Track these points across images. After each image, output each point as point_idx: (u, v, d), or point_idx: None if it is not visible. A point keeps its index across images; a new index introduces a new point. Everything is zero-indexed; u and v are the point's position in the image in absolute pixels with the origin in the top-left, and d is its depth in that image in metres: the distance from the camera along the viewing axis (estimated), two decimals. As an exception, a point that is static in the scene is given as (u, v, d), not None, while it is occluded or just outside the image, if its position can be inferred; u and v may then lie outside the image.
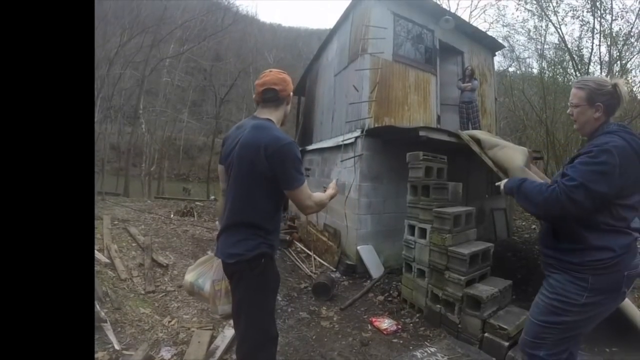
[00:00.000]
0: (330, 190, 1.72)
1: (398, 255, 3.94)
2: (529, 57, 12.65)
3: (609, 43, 7.66)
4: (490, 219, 6.60)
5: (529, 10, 9.16)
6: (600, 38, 7.76)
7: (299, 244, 6.05)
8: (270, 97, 1.59)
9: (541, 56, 9.88)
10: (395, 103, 5.28)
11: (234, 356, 2.39)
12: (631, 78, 8.47)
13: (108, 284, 3.42)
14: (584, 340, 1.90)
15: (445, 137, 4.26)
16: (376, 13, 5.23)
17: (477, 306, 2.75)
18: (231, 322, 2.42)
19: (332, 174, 5.98)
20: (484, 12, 23.54)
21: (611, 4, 7.62)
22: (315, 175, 6.95)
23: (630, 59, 8.00)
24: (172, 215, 7.63)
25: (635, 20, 7.44)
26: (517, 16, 16.51)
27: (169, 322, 2.92)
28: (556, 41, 9.60)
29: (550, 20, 8.54)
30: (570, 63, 8.52)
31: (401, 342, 2.86)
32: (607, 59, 7.82)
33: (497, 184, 1.75)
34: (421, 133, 3.99)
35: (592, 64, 8.02)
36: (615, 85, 1.40)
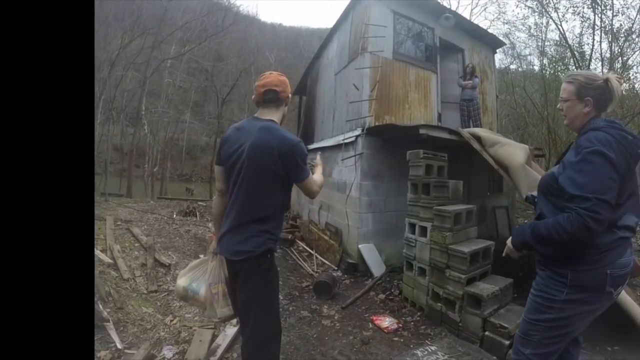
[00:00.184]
0: (319, 168, 1.82)
1: (399, 253, 3.94)
2: (530, 55, 12.61)
3: (610, 39, 7.61)
4: (492, 216, 6.57)
5: (529, 7, 9.13)
6: (601, 34, 7.72)
7: (300, 243, 6.07)
8: (271, 98, 1.64)
9: (542, 53, 9.85)
10: (395, 101, 5.27)
11: (235, 354, 2.42)
12: (633, 74, 8.42)
13: (111, 284, 3.44)
14: (584, 338, 1.89)
15: (445, 135, 4.26)
16: (376, 12, 5.22)
17: (477, 305, 2.75)
18: (232, 322, 2.44)
19: (333, 173, 5.99)
20: (485, 9, 23.43)
21: (612, 0, 7.58)
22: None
23: (632, 56, 7.95)
24: (174, 216, 7.66)
25: (636, 17, 7.40)
26: (517, 13, 16.47)
27: (171, 321, 2.94)
28: (557, 38, 9.56)
29: (551, 17, 8.52)
30: (572, 60, 8.49)
31: (402, 340, 2.86)
32: (608, 55, 7.77)
33: (504, 253, 1.58)
34: (421, 131, 3.98)
35: (593, 60, 7.99)
36: (607, 80, 1.37)
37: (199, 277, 1.76)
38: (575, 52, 8.21)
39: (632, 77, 8.36)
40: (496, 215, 6.64)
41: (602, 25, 7.58)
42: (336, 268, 4.83)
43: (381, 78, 5.05)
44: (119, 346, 2.41)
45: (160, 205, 9.20)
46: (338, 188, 5.66)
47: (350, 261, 4.73)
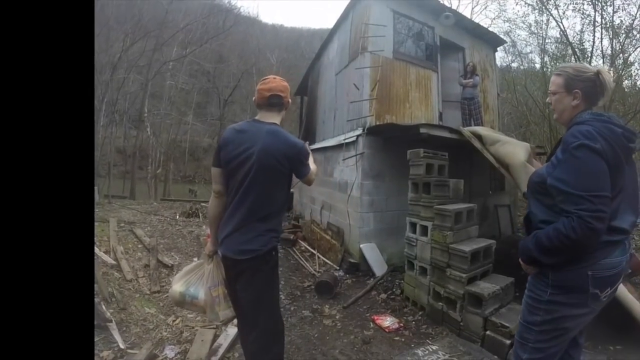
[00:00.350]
0: (310, 156, 1.86)
1: (401, 253, 3.94)
2: (531, 52, 12.56)
3: (610, 36, 7.57)
4: (494, 215, 6.55)
5: (529, 5, 9.09)
6: (602, 31, 7.68)
7: (303, 243, 6.08)
8: (276, 102, 1.71)
9: (543, 51, 9.80)
10: (396, 101, 5.27)
11: (237, 354, 2.43)
12: (634, 71, 8.37)
13: (114, 285, 3.47)
14: (586, 338, 1.87)
15: (446, 134, 4.25)
16: (375, 11, 5.22)
17: (478, 304, 2.75)
18: (233, 322, 2.46)
19: (334, 173, 6.00)
20: (486, 7, 23.35)
21: (612, -4, 7.55)
22: (318, 174, 6.96)
23: (633, 52, 7.90)
24: (177, 217, 7.70)
25: (637, 13, 7.36)
26: (518, 11, 16.40)
27: (173, 321, 2.97)
28: (558, 35, 9.53)
29: (551, 14, 8.48)
30: (573, 57, 8.44)
31: (403, 340, 2.86)
32: (609, 52, 7.73)
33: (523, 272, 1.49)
34: (422, 130, 3.98)
35: (594, 57, 7.94)
36: (598, 73, 1.31)
37: (196, 281, 1.76)
38: (576, 50, 8.18)
39: (633, 74, 8.33)
40: (498, 214, 6.62)
41: (603, 21, 7.55)
42: (338, 268, 4.83)
43: (381, 77, 5.05)
44: (122, 346, 2.43)
45: (164, 207, 9.25)
46: (339, 188, 5.67)
47: (352, 261, 4.74)
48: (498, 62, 7.84)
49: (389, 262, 4.73)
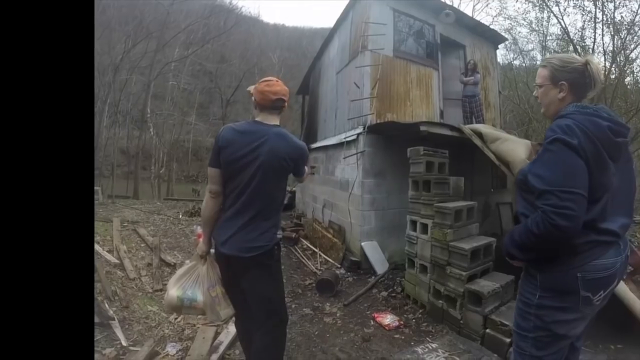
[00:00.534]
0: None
1: (402, 250, 3.94)
2: (532, 50, 12.48)
3: (612, 33, 7.50)
4: (496, 213, 6.53)
5: (529, 2, 9.03)
6: (602, 28, 7.62)
7: (304, 241, 6.10)
8: (279, 105, 1.75)
9: (544, 48, 9.74)
10: (397, 99, 5.27)
11: (237, 351, 2.45)
12: (636, 67, 8.29)
13: (117, 284, 3.51)
14: (587, 336, 1.83)
15: (447, 132, 4.25)
16: (375, 10, 5.22)
17: (478, 302, 2.74)
18: (234, 319, 2.48)
19: (336, 171, 6.01)
20: (487, 5, 23.23)
21: (612, -8, 7.49)
22: (320, 173, 6.99)
23: (635, 48, 7.83)
24: (180, 216, 7.75)
25: (638, 9, 7.30)
26: (518, 8, 16.30)
27: (175, 319, 2.99)
28: (559, 32, 9.46)
29: (552, 11, 8.42)
30: (574, 54, 8.38)
31: (403, 337, 2.87)
32: (610, 48, 7.67)
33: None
34: (422, 128, 3.98)
35: (596, 54, 7.88)
36: (586, 63, 1.23)
37: (192, 284, 1.74)
38: (578, 46, 8.12)
39: (635, 71, 8.25)
40: (500, 211, 6.59)
41: (604, 18, 7.49)
42: (339, 266, 4.84)
43: (382, 76, 5.05)
44: (124, 343, 2.46)
45: (167, 206, 9.32)
46: (341, 186, 5.68)
47: (353, 259, 4.75)
48: (500, 60, 7.81)
49: (390, 260, 4.73)
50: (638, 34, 7.43)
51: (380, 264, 4.59)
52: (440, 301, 3.12)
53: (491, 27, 7.32)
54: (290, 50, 36.04)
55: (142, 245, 5.00)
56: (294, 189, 9.71)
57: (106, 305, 2.97)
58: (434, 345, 2.61)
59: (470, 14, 8.06)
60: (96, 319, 2.63)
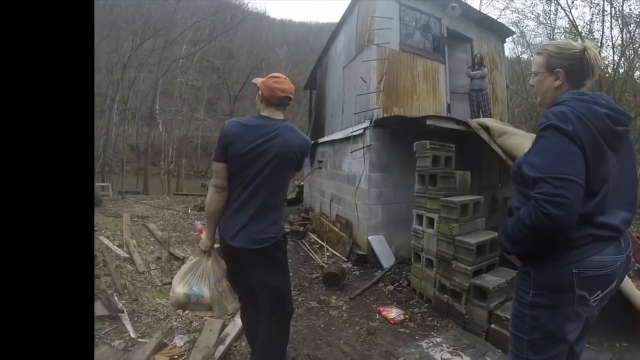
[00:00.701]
0: None
1: (409, 245, 3.93)
2: (540, 43, 12.20)
3: (620, 26, 7.29)
4: (503, 208, 6.46)
5: (536, -6, 8.82)
6: (611, 21, 7.40)
7: (312, 235, 6.13)
8: (286, 103, 1.80)
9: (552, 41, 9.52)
10: (403, 93, 5.23)
11: (243, 343, 2.49)
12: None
13: (127, 277, 3.59)
14: (591, 334, 1.77)
15: (453, 126, 4.21)
16: (381, 4, 5.17)
17: (483, 297, 2.73)
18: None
19: (343, 165, 6.01)
20: (495, -2, 22.66)
21: (622, -16, 7.27)
22: (328, 167, 7.00)
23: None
24: (189, 211, 7.85)
25: (647, 2, 7.05)
26: (526, 1, 15.92)
27: (183, 311, 3.05)
28: (566, 25, 9.23)
29: (560, 4, 8.21)
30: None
31: (408, 331, 2.87)
32: (619, 42, 7.46)
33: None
34: (428, 122, 3.96)
35: (604, 48, 7.67)
36: (584, 49, 1.16)
37: (197, 280, 1.74)
38: (586, 40, 7.91)
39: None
40: (507, 206, 6.52)
41: (613, 11, 7.27)
42: (346, 259, 4.86)
43: (388, 70, 5.01)
44: (133, 335, 2.52)
45: (176, 201, 9.44)
46: (348, 180, 5.68)
47: (360, 253, 4.76)
48: (507, 54, 7.66)
49: (396, 254, 4.73)
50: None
51: (386, 258, 4.59)
52: (446, 296, 3.12)
53: (498, 20, 7.17)
54: (298, 45, 35.92)
55: (152, 239, 5.09)
56: (302, 183, 9.75)
57: (116, 298, 3.05)
58: (438, 340, 2.62)
59: (477, 7, 7.90)
60: (106, 312, 2.71)
